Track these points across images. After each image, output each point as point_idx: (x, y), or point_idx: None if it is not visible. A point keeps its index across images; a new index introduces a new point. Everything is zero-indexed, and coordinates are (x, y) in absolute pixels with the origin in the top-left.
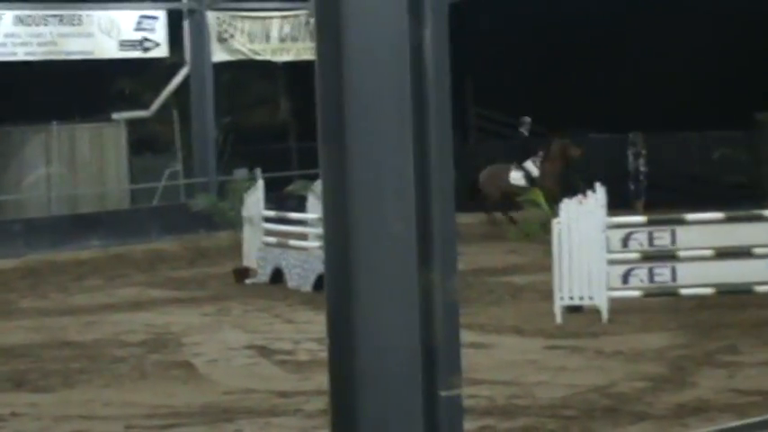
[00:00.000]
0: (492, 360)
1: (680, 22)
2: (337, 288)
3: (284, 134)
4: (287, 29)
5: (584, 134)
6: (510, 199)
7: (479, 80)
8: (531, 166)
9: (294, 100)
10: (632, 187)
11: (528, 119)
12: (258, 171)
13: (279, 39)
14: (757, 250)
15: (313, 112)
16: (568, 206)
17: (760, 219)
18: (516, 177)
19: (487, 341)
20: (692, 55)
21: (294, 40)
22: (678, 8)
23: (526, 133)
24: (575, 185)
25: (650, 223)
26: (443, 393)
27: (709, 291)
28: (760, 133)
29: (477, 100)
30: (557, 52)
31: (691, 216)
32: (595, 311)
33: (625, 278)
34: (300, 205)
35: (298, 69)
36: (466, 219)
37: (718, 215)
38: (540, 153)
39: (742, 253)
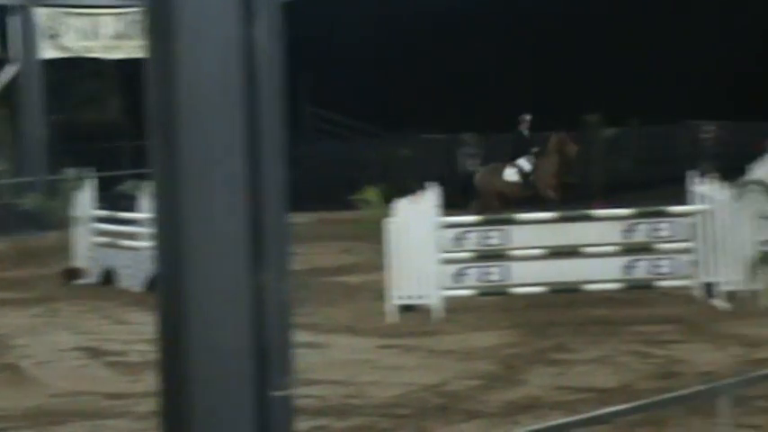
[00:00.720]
0: (326, 360)
1: (510, 26)
2: (168, 288)
3: (116, 133)
4: (119, 26)
5: (417, 134)
6: (506, 197)
7: (317, 81)
8: (524, 162)
9: (126, 98)
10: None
11: (528, 116)
12: (88, 170)
13: (111, 36)
14: (588, 249)
15: (145, 111)
16: (402, 206)
17: (590, 218)
18: (510, 174)
19: (321, 341)
20: (524, 57)
21: (127, 37)
22: (511, 9)
23: (525, 132)
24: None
25: (483, 223)
26: (275, 393)
27: (541, 289)
28: (590, 134)
29: (315, 100)
30: (395, 53)
31: (523, 216)
32: (429, 311)
33: (458, 277)
34: (132, 205)
35: (130, 67)
36: (300, 218)
37: (551, 215)
38: (534, 150)
39: (573, 252)
